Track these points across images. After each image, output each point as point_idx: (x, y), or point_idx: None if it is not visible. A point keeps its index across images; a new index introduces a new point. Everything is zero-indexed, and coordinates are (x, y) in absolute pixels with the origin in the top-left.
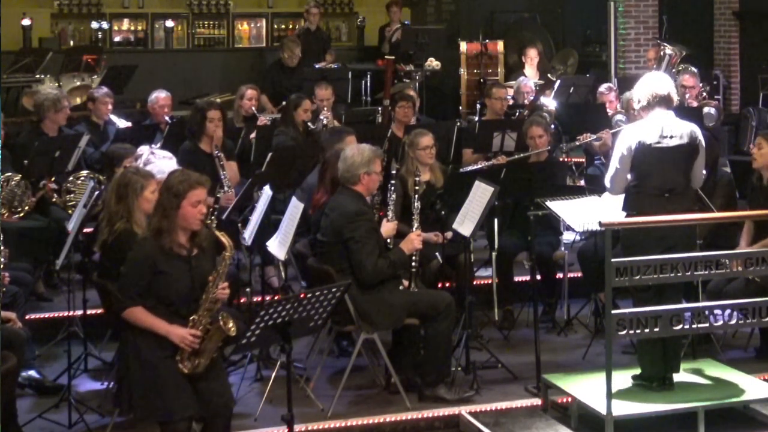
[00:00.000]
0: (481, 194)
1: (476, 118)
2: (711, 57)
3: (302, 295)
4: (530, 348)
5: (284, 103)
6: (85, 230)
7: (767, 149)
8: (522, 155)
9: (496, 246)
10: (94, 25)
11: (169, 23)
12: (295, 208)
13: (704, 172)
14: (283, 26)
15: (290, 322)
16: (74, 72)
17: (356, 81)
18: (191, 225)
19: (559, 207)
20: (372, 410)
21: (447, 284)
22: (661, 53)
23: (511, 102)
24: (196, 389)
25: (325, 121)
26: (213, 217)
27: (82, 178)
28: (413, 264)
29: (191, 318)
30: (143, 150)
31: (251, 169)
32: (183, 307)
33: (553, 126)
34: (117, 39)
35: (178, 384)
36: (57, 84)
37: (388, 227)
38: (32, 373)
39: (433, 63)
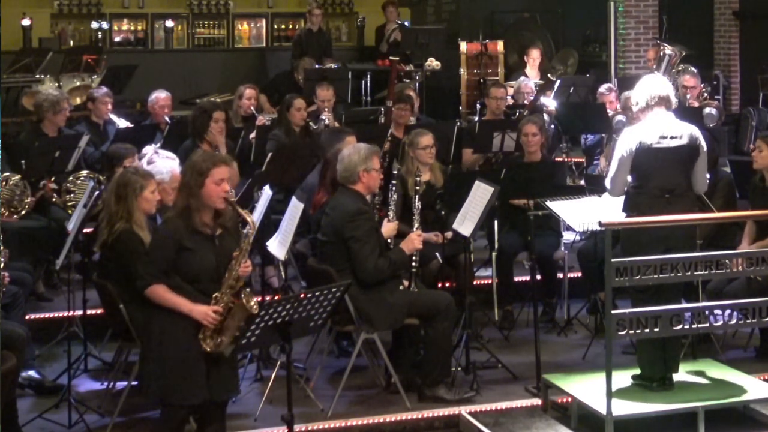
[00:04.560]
0: (481, 194)
1: (476, 118)
2: (711, 57)
3: (302, 295)
4: (530, 348)
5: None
6: (85, 230)
7: (767, 152)
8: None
9: (496, 246)
10: (94, 25)
11: (169, 23)
12: (295, 208)
13: (708, 176)
14: (283, 26)
15: (290, 322)
16: (74, 72)
17: (356, 81)
18: (215, 203)
19: (559, 207)
20: (372, 410)
21: (447, 284)
22: (661, 53)
23: (511, 102)
24: (207, 374)
25: (326, 122)
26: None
27: (82, 178)
28: (413, 264)
29: (214, 295)
30: (148, 150)
31: (251, 169)
32: (207, 285)
33: (552, 126)
34: (117, 39)
35: (193, 371)
36: (57, 84)
37: (389, 227)
38: (32, 373)
39: (433, 63)
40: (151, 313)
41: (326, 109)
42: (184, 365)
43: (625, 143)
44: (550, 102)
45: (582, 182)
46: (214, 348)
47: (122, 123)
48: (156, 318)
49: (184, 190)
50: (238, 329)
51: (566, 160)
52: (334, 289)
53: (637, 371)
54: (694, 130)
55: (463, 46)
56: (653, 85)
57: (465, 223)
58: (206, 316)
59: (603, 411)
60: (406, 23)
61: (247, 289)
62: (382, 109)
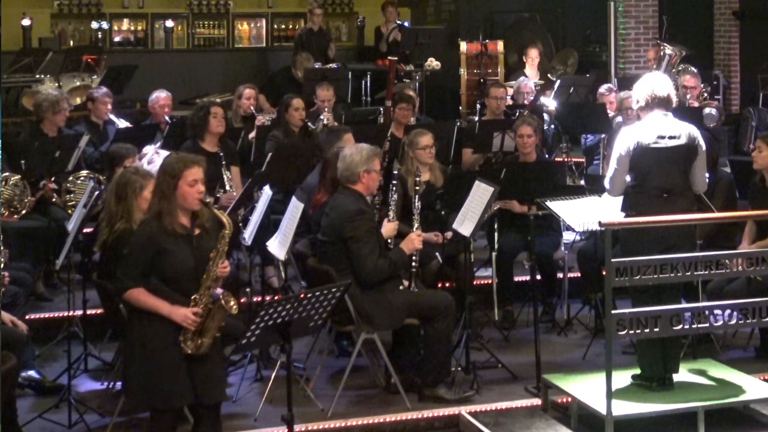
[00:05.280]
0: (481, 194)
1: (476, 118)
2: (711, 57)
3: (302, 295)
4: (530, 348)
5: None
6: (85, 230)
7: (766, 152)
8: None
9: (496, 246)
10: (94, 25)
11: (169, 23)
12: (295, 208)
13: (707, 176)
14: (283, 26)
15: (290, 322)
16: (74, 72)
17: (356, 81)
18: (190, 204)
19: (559, 207)
20: (372, 410)
21: (447, 284)
22: (661, 53)
23: (511, 102)
24: (192, 376)
25: (325, 121)
26: (223, 190)
27: (82, 178)
28: (413, 264)
29: (193, 297)
30: (148, 149)
31: (251, 169)
32: (187, 285)
33: (553, 126)
34: (117, 39)
35: (176, 373)
36: (57, 84)
37: (389, 227)
38: (32, 373)
39: (433, 63)
40: (131, 316)
41: (326, 109)
42: (166, 368)
43: (623, 142)
44: (550, 102)
45: (582, 182)
46: (195, 350)
47: (122, 123)
48: (136, 321)
49: (158, 194)
50: (218, 330)
51: (566, 160)
52: (334, 289)
53: (637, 371)
54: (693, 130)
55: (463, 46)
56: (655, 84)
57: (465, 223)
58: (186, 318)
59: (603, 411)
60: (406, 23)
61: (226, 291)
62: (381, 109)
